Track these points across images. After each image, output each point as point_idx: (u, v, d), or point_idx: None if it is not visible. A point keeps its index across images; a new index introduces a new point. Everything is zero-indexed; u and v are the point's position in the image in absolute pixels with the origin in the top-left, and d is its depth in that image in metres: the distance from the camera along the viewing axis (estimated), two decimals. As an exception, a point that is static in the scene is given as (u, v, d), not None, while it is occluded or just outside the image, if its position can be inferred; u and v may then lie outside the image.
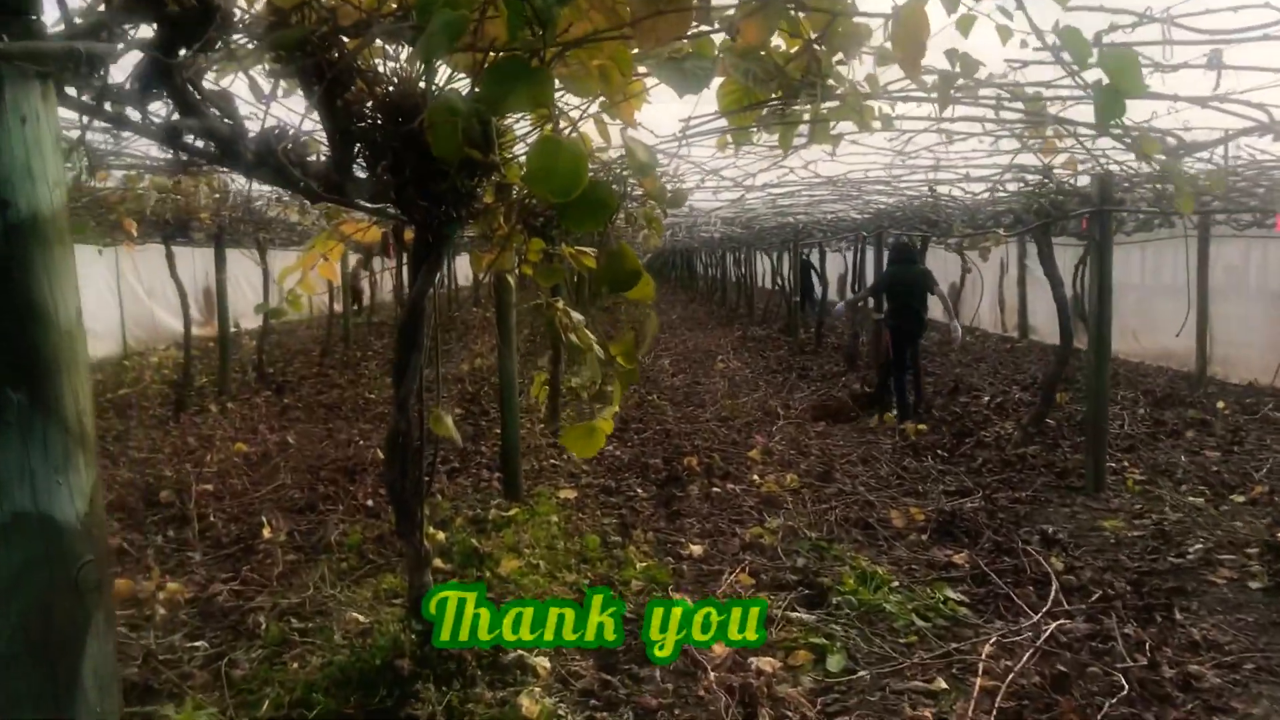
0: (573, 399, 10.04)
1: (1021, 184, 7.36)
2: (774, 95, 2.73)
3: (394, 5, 2.15)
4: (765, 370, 13.13)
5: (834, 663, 3.89)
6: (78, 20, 1.52)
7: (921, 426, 8.50)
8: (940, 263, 16.16)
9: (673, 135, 3.48)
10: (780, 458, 7.65)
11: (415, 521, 3.70)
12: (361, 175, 2.86)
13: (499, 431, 6.83)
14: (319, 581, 4.78)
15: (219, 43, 1.81)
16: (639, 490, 6.71)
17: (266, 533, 5.57)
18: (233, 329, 15.05)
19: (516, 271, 5.07)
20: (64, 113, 1.49)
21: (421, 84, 2.41)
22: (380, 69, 2.47)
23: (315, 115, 2.31)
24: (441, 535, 5.42)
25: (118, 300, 15.44)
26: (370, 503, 6.24)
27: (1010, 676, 3.70)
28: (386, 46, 2.41)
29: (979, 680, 3.70)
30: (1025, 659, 3.86)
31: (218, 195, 7.94)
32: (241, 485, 6.78)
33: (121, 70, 1.75)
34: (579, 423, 2.76)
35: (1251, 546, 5.22)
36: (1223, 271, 11.07)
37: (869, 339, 12.37)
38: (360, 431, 8.75)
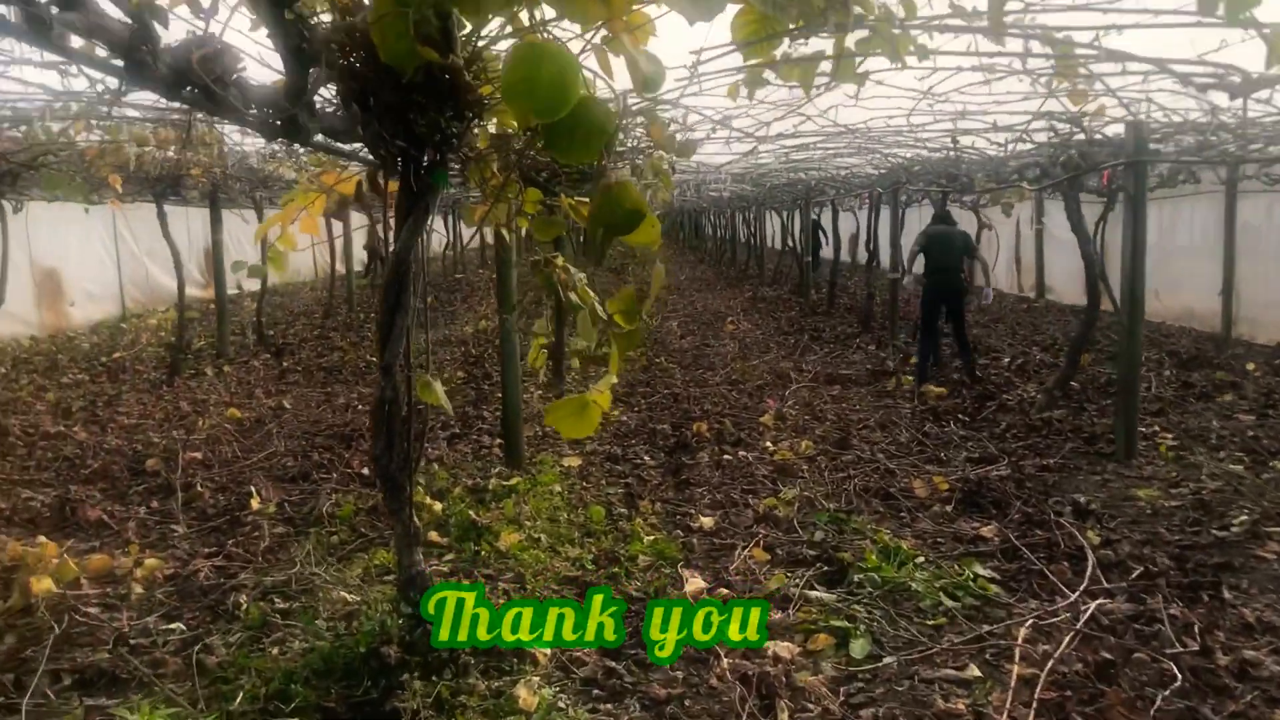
0: (580, 362, 9.72)
1: (1051, 133, 6.93)
2: (794, 24, 2.41)
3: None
4: (776, 332, 12.78)
5: (857, 648, 3.60)
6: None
7: (941, 390, 8.16)
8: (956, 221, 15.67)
9: (683, 68, 3.11)
10: (794, 423, 7.32)
11: (404, 497, 3.41)
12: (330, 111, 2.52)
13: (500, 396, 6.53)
14: (306, 558, 4.50)
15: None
16: (646, 458, 6.40)
17: (255, 504, 5.30)
18: (235, 291, 14.77)
19: (517, 228, 4.73)
20: None
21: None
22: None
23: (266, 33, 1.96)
24: (439, 506, 5.14)
25: (115, 261, 15.11)
26: (366, 470, 5.95)
27: (1050, 664, 3.40)
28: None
29: (1015, 667, 3.40)
30: (1065, 643, 3.56)
31: (207, 144, 7.55)
32: (232, 452, 6.52)
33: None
34: (570, 396, 2.39)
35: (1299, 518, 4.90)
36: (1251, 229, 10.61)
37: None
38: (360, 395, 8.46)
